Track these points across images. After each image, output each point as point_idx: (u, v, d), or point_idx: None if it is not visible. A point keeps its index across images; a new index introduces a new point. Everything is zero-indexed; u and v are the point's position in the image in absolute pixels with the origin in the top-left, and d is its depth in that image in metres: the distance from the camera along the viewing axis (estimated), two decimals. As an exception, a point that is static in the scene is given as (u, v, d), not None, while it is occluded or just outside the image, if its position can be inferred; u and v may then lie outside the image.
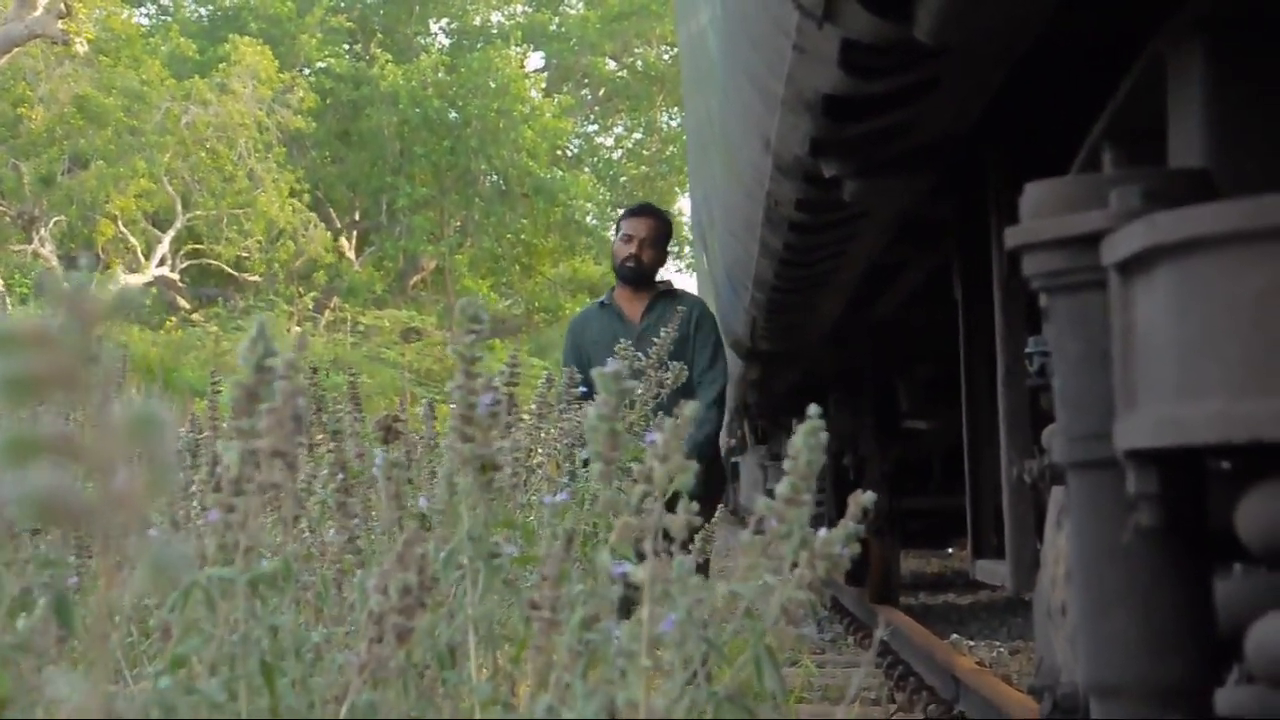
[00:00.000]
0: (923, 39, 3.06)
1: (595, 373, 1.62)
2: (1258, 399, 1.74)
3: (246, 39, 29.75)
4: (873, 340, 9.20)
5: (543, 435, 3.19)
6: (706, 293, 12.28)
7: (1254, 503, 1.85)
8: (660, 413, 2.38)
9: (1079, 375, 2.06)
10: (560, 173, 34.72)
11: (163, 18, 36.22)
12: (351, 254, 33.25)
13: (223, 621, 1.49)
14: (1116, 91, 3.43)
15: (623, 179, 38.52)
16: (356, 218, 34.56)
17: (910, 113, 3.98)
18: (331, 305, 30.79)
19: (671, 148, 37.95)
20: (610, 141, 40.38)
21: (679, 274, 39.64)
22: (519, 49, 35.59)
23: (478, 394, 1.73)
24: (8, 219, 28.02)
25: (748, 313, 8.15)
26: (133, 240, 28.46)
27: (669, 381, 4.23)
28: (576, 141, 38.85)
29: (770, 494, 1.65)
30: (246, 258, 29.54)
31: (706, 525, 3.12)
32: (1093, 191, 2.06)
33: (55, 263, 26.57)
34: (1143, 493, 1.93)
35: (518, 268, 35.98)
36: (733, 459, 19.36)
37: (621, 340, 4.25)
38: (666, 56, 37.04)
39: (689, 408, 1.58)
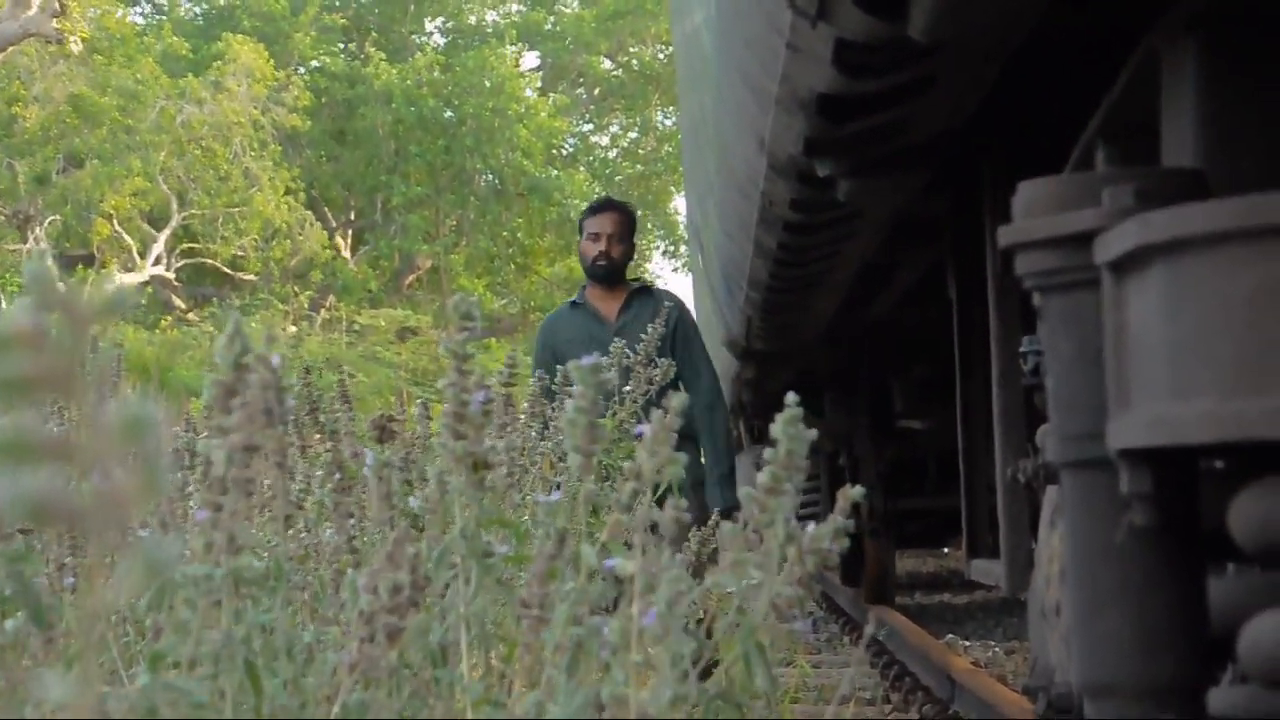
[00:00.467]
0: (916, 37, 3.06)
1: (572, 365, 1.60)
2: (1250, 398, 1.74)
3: (241, 37, 29.70)
4: (868, 340, 9.20)
5: (533, 434, 3.18)
6: (702, 292, 12.27)
7: (1247, 502, 1.85)
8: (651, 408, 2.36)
9: (1072, 374, 2.06)
10: (555, 172, 34.68)
11: (157, 16, 36.16)
12: (347, 253, 33.23)
13: (203, 619, 1.49)
14: (1111, 88, 3.42)
15: (618, 178, 38.45)
16: (352, 216, 34.52)
17: (904, 111, 3.98)
18: (327, 304, 30.77)
19: (667, 147, 37.88)
20: (605, 141, 40.32)
21: (674, 274, 39.58)
22: (514, 48, 35.54)
23: (470, 391, 1.73)
24: (2, 218, 27.98)
25: (743, 312, 8.14)
26: (128, 239, 28.41)
27: (658, 378, 4.21)
28: (572, 141, 38.78)
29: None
30: (242, 256, 29.49)
31: (704, 527, 3.10)
32: (1085, 190, 2.06)
33: (50, 261, 26.47)
34: (1136, 492, 1.93)
35: (513, 267, 35.92)
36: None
37: (598, 339, 4.22)
38: (662, 56, 37.00)
39: (676, 398, 1.56)
